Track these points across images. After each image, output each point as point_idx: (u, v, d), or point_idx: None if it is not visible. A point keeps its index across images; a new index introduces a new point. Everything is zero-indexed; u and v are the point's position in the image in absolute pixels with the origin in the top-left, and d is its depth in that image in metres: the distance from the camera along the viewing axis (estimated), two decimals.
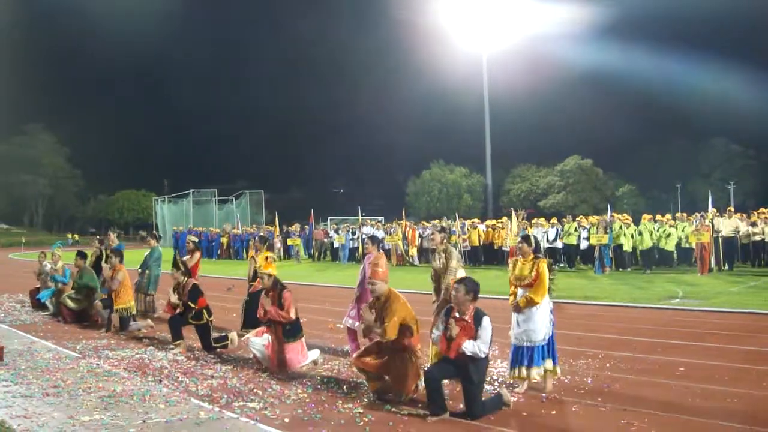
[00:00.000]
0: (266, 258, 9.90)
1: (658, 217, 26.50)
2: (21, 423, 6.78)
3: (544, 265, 7.98)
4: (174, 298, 11.22)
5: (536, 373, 7.80)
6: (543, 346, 7.83)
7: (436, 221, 35.58)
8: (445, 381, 7.40)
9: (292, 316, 9.19)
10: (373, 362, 7.68)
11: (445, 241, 9.43)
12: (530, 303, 7.83)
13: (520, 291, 8.00)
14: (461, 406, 7.14)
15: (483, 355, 7.01)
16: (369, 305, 8.07)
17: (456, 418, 6.92)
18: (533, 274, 7.89)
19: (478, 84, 64.38)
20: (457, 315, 7.23)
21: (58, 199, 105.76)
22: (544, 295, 7.90)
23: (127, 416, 7.06)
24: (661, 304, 15.18)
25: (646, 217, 26.70)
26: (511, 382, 8.10)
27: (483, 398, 7.17)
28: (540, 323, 7.83)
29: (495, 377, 8.58)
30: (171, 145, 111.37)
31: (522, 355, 7.84)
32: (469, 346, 6.99)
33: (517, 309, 7.94)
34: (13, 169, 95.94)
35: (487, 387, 7.79)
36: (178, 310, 11.18)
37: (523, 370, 7.82)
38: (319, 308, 15.62)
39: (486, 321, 7.10)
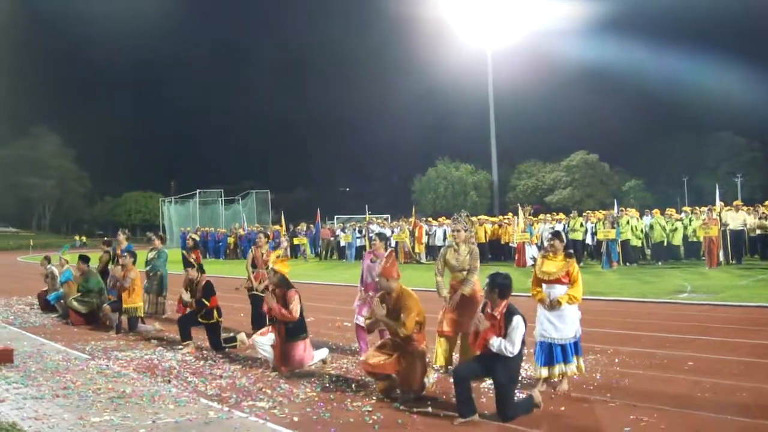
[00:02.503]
0: (277, 256, 9.86)
1: (671, 212, 26.42)
2: (32, 425, 6.80)
3: (576, 265, 7.93)
4: (186, 296, 11.24)
5: (570, 370, 7.75)
6: (572, 343, 7.78)
7: (442, 218, 35.41)
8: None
9: (296, 315, 9.14)
10: (381, 363, 7.67)
11: (471, 239, 9.39)
12: (572, 301, 7.77)
13: (547, 290, 7.91)
14: (483, 400, 7.14)
15: (510, 355, 6.81)
16: (379, 298, 8.06)
17: (485, 420, 6.84)
18: (565, 271, 7.84)
19: (483, 80, 64.43)
20: (488, 310, 7.10)
21: (66, 202, 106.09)
22: (581, 292, 7.87)
23: (136, 417, 7.08)
24: (670, 299, 15.17)
25: (656, 212, 26.64)
26: (540, 378, 7.90)
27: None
28: (571, 320, 7.76)
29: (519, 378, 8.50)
30: (177, 146, 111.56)
31: (555, 353, 7.72)
32: (495, 343, 6.81)
33: (551, 307, 7.79)
34: (20, 171, 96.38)
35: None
36: (188, 309, 11.21)
37: (556, 368, 7.71)
38: (326, 307, 15.62)
39: (517, 320, 6.86)
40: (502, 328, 6.90)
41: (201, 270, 11.59)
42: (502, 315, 6.97)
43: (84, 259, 15.07)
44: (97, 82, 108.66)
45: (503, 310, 7.00)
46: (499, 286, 7.05)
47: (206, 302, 10.96)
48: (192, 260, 11.56)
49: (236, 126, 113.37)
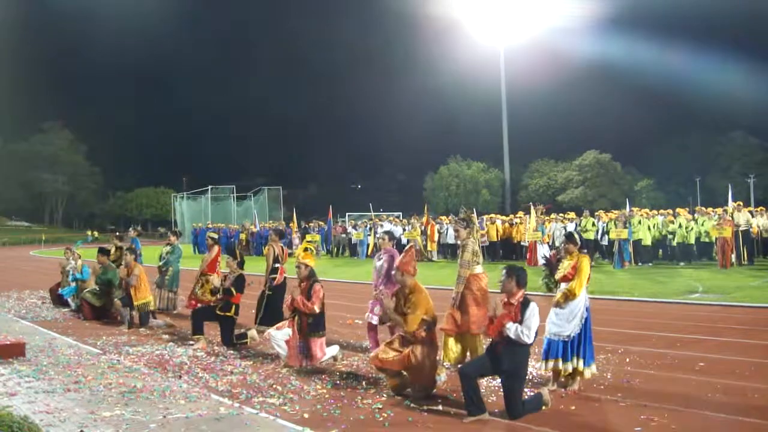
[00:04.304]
0: (305, 249, 9.86)
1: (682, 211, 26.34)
2: (43, 418, 6.83)
3: (585, 261, 7.92)
4: (217, 282, 11.30)
5: (565, 368, 7.73)
6: (572, 342, 7.77)
7: (447, 217, 35.31)
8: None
9: (317, 309, 9.14)
10: (392, 359, 7.67)
11: (476, 235, 9.40)
12: (568, 296, 7.76)
13: (562, 285, 7.96)
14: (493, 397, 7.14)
15: (527, 341, 6.83)
16: (394, 293, 8.11)
17: (495, 418, 6.84)
18: (572, 265, 7.85)
19: (495, 78, 64.29)
20: (505, 298, 7.12)
21: (78, 197, 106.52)
22: (582, 288, 7.82)
23: (147, 411, 7.10)
24: (681, 299, 15.13)
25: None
26: (545, 374, 8.01)
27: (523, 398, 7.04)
28: (569, 318, 7.77)
29: (528, 377, 8.48)
30: (189, 142, 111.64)
31: (556, 348, 7.75)
32: (512, 328, 6.82)
33: (556, 303, 7.87)
34: (32, 167, 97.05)
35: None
36: (192, 303, 11.24)
37: (550, 363, 7.75)
38: (337, 304, 15.61)
39: (533, 307, 6.93)
40: (518, 316, 6.92)
41: (241, 266, 11.59)
42: (519, 303, 7.00)
43: (103, 251, 15.16)
44: (109, 78, 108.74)
45: (520, 299, 7.04)
46: (517, 275, 7.12)
47: (234, 292, 10.99)
48: (237, 252, 11.66)
49: (248, 122, 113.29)
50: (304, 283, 9.34)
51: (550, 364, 7.79)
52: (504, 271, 7.23)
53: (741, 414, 6.68)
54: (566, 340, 7.73)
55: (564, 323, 7.77)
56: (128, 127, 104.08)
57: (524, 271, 7.26)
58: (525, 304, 7.00)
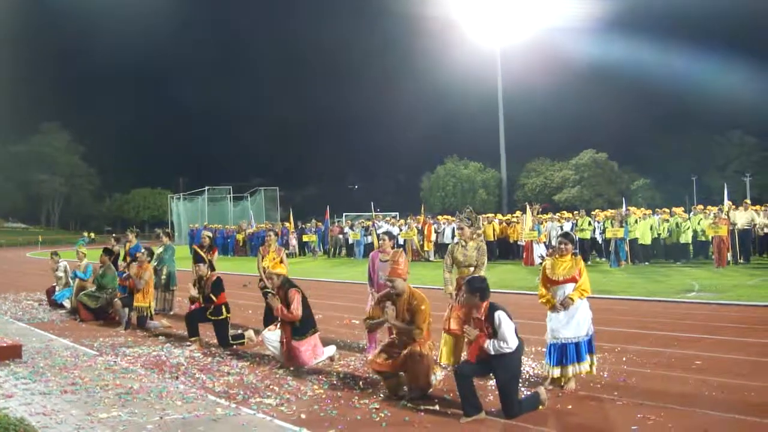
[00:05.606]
0: (273, 258, 9.86)
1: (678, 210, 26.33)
2: (40, 420, 6.82)
3: (581, 260, 8.01)
4: (194, 292, 11.27)
5: (583, 369, 7.74)
6: (586, 341, 7.77)
7: (446, 216, 35.30)
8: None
9: (298, 314, 9.11)
10: (388, 362, 7.66)
11: (476, 235, 9.36)
12: (584, 294, 7.76)
13: (560, 291, 7.89)
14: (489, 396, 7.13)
15: (508, 350, 6.82)
16: (388, 301, 8.01)
17: (492, 417, 6.84)
18: (578, 268, 7.84)
19: (492, 78, 64.31)
20: (475, 315, 7.09)
21: (74, 198, 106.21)
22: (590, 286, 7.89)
23: (144, 413, 7.10)
24: (678, 298, 15.12)
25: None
26: (551, 379, 7.89)
27: (519, 397, 7.02)
28: (583, 317, 7.76)
29: (525, 376, 8.47)
30: (185, 143, 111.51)
31: (569, 352, 7.70)
32: (490, 346, 6.82)
33: (564, 306, 7.77)
34: (29, 168, 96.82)
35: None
36: (195, 306, 11.24)
37: (569, 369, 7.68)
38: (334, 304, 15.63)
39: (499, 315, 6.86)
40: (489, 328, 6.91)
41: (211, 268, 11.62)
42: (486, 315, 6.99)
43: (108, 251, 15.16)
44: (106, 80, 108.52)
45: (486, 310, 7.02)
46: (479, 290, 7.08)
47: (214, 298, 10.97)
48: (203, 256, 11.61)
49: (245, 123, 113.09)
50: (280, 291, 9.34)
51: (569, 370, 7.71)
52: (465, 287, 7.23)
53: (738, 412, 6.68)
54: (585, 339, 7.72)
55: (578, 324, 7.73)
56: (125, 128, 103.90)
57: (484, 282, 7.22)
58: (491, 314, 6.96)
